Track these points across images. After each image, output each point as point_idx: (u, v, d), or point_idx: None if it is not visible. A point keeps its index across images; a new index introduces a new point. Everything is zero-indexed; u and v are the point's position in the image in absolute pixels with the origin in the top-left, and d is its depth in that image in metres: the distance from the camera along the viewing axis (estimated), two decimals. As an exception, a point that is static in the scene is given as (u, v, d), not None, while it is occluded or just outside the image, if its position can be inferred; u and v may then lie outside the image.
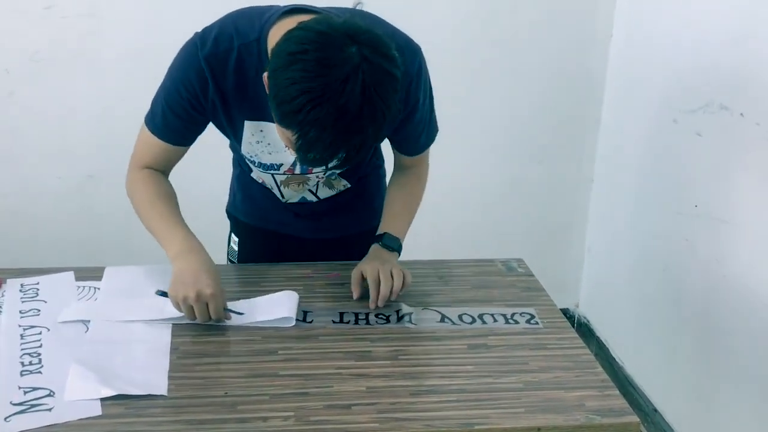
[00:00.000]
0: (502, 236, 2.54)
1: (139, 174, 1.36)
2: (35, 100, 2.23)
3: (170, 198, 1.36)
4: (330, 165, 1.10)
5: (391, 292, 1.31)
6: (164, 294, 1.25)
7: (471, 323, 1.31)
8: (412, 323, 1.30)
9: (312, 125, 1.02)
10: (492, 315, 1.33)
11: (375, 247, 1.40)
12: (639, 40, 2.29)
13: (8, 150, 2.27)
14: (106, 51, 2.21)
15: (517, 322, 1.31)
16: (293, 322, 1.28)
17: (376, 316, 1.32)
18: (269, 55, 1.10)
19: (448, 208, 2.55)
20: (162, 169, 1.37)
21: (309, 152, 1.06)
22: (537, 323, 1.31)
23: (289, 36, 1.06)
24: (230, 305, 1.28)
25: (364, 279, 1.34)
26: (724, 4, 1.86)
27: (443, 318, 1.32)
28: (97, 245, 2.33)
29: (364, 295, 1.34)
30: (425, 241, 2.47)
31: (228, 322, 1.26)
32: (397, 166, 1.49)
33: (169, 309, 1.26)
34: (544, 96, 2.47)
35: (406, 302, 1.35)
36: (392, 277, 1.32)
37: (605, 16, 2.40)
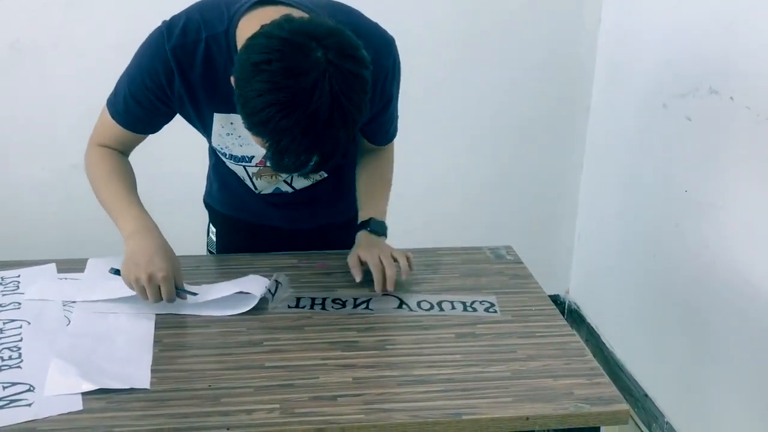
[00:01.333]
0: (493, 224, 2.53)
1: (98, 152, 1.34)
2: (17, 89, 2.20)
3: (127, 177, 1.34)
4: (304, 171, 1.09)
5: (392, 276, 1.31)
6: (117, 272, 1.25)
7: (428, 309, 1.30)
8: (369, 309, 1.29)
9: (283, 134, 1.01)
10: (451, 302, 1.32)
11: (363, 234, 1.38)
12: (628, 25, 2.27)
13: (-10, 141, 2.24)
14: (87, 39, 2.18)
15: (475, 310, 1.30)
16: (255, 301, 1.26)
17: (333, 301, 1.31)
18: (235, 62, 1.07)
19: (438, 196, 2.54)
20: (121, 150, 1.36)
21: (282, 159, 1.05)
22: (495, 312, 1.30)
23: (251, 44, 1.03)
24: (186, 287, 1.26)
25: (362, 263, 1.33)
26: (713, -13, 1.85)
27: (401, 304, 1.31)
28: (81, 236, 2.29)
29: (366, 278, 1.33)
30: (415, 229, 2.45)
31: (186, 303, 1.25)
32: (364, 150, 1.48)
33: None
34: (533, 83, 2.45)
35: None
36: (395, 259, 1.32)
37: (594, 2, 2.39)
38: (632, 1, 2.25)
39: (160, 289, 1.21)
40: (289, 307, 1.29)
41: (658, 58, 2.10)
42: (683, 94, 1.96)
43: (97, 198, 1.33)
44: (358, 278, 1.33)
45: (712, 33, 1.85)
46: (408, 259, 1.34)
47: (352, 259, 1.35)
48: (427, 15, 2.31)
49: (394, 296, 1.33)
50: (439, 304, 1.32)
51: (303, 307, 1.29)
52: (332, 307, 1.29)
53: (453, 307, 1.31)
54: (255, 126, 1.03)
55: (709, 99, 1.86)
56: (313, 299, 1.31)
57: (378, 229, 1.38)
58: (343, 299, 1.32)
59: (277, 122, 0.99)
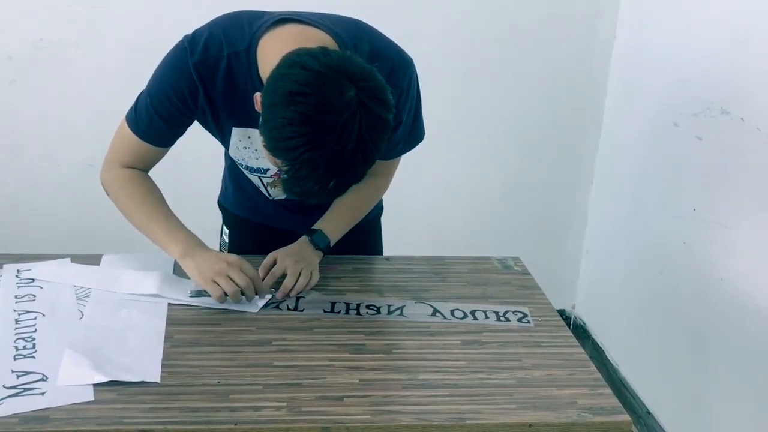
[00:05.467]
0: (501, 236, 2.55)
1: (122, 173, 1.35)
2: (37, 87, 2.24)
3: (162, 198, 1.36)
4: (312, 199, 1.12)
5: (293, 289, 1.32)
6: (199, 294, 1.28)
7: (462, 318, 1.31)
8: (403, 315, 1.30)
9: (304, 164, 1.03)
10: (484, 312, 1.33)
11: (303, 240, 1.40)
12: (642, 42, 2.29)
13: (9, 138, 2.27)
14: (109, 40, 2.22)
15: (508, 320, 1.31)
16: (257, 309, 1.29)
17: (367, 307, 1.32)
18: (264, 83, 1.09)
19: (447, 206, 2.55)
20: (143, 168, 1.37)
21: (296, 186, 1.07)
22: (528, 322, 1.31)
23: (287, 73, 1.04)
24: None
25: (274, 264, 1.35)
26: (726, 9, 1.86)
27: (435, 312, 1.32)
28: (96, 234, 2.32)
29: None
30: (423, 237, 2.48)
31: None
32: None
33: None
34: (545, 96, 2.47)
35: (395, 294, 1.37)
36: (300, 275, 1.33)
37: (609, 18, 2.41)
38: (647, 19, 2.26)
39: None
40: (324, 311, 1.30)
41: (671, 77, 2.11)
42: (695, 113, 1.97)
43: (129, 219, 1.35)
44: (260, 275, 1.33)
45: (724, 53, 1.87)
46: (307, 283, 1.34)
47: (268, 258, 1.36)
48: (442, 27, 2.34)
49: (428, 304, 1.34)
50: (473, 313, 1.33)
51: (338, 312, 1.30)
52: (367, 312, 1.31)
53: (486, 317, 1.32)
54: (278, 150, 1.05)
55: (720, 119, 1.87)
56: (347, 304, 1.32)
57: (318, 242, 1.40)
58: (378, 305, 1.33)
59: (301, 153, 1.02)
